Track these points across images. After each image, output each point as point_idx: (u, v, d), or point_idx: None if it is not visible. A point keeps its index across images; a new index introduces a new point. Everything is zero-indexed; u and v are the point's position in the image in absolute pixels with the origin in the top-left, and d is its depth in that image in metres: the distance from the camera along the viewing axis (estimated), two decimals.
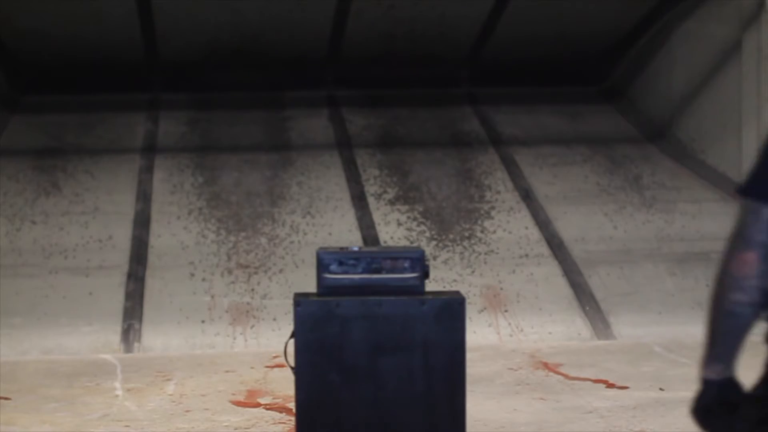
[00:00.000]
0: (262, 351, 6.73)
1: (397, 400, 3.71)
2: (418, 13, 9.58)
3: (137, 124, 9.69)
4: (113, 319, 7.10)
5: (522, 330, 7.24)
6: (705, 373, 2.26)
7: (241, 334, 7.09)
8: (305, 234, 8.07)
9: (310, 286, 4.10)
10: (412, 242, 8.10)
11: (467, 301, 3.92)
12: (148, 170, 8.88)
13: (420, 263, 3.86)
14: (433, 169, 9.05)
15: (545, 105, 10.23)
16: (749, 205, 2.19)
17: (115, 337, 6.96)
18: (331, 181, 8.81)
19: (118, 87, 9.95)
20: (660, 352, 6.72)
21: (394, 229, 8.26)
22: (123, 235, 7.98)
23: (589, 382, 6.01)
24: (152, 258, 7.76)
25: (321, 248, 3.98)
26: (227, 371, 6.29)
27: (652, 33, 10.00)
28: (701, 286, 7.68)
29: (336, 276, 3.83)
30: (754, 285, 2.17)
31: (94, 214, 8.24)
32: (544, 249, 8.09)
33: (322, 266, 3.86)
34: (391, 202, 8.60)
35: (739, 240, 2.18)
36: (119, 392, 5.87)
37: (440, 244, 8.09)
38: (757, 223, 2.17)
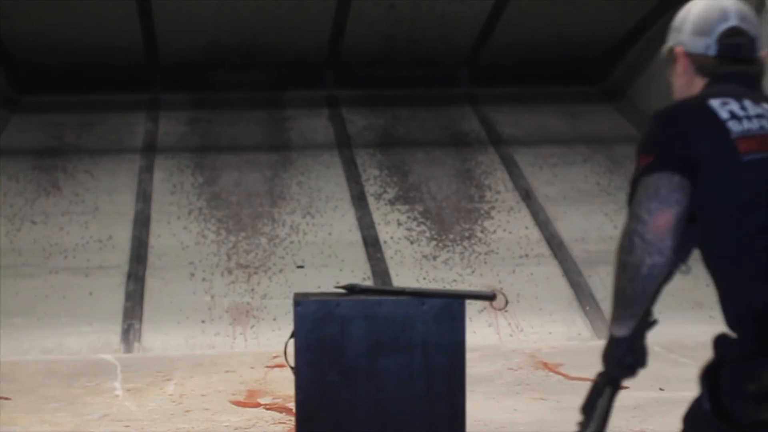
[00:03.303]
0: (262, 351, 6.72)
1: (397, 400, 3.70)
2: (418, 13, 9.59)
3: (137, 124, 9.69)
4: (113, 319, 7.09)
5: (522, 330, 7.24)
6: (618, 331, 2.36)
7: (241, 334, 7.08)
8: (305, 234, 8.07)
9: (310, 286, 4.09)
10: (411, 242, 8.10)
11: (467, 301, 3.91)
12: (148, 170, 8.88)
13: None
14: (433, 169, 9.04)
15: (545, 105, 10.23)
16: (657, 174, 2.29)
17: (115, 337, 6.96)
18: (331, 181, 8.81)
19: (118, 87, 9.96)
20: (660, 352, 6.71)
21: (394, 228, 8.26)
22: (123, 235, 7.97)
23: (589, 382, 5.98)
24: (152, 258, 7.76)
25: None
26: (227, 371, 6.28)
27: (652, 33, 9.99)
28: (701, 286, 7.66)
29: None
30: (670, 246, 2.26)
31: (94, 214, 8.24)
32: (544, 249, 8.08)
33: None
34: (391, 202, 8.60)
35: (651, 205, 2.27)
36: (119, 392, 5.87)
37: (440, 244, 8.08)
38: (670, 185, 2.28)
